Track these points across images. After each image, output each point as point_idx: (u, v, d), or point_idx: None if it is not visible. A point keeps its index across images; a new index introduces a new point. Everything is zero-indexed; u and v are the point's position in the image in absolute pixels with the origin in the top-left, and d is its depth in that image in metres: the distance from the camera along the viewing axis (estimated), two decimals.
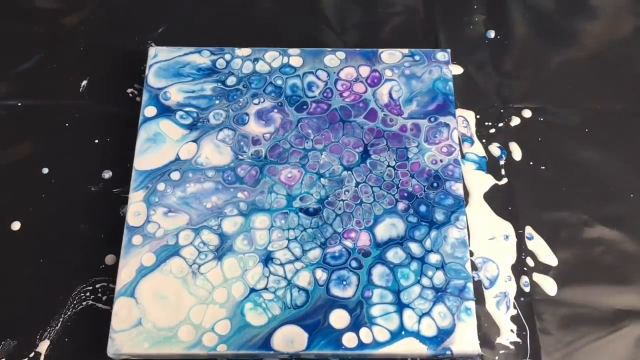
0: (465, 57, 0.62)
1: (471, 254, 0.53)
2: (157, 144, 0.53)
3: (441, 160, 0.53)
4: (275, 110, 0.55)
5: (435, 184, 0.53)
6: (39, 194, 0.55)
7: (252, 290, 0.48)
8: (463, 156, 0.57)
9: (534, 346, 0.51)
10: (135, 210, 0.51)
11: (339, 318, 0.48)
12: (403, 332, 0.47)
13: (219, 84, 0.56)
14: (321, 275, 0.49)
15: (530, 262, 0.54)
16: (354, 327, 0.47)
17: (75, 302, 0.52)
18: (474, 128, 0.59)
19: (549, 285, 0.53)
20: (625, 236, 0.55)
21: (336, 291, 0.49)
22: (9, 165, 0.57)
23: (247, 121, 0.55)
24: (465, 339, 0.47)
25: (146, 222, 0.50)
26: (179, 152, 0.53)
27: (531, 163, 0.58)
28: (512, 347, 0.51)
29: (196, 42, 0.58)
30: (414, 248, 0.50)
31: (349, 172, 0.53)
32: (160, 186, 0.52)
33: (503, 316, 0.52)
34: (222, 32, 0.63)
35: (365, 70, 0.57)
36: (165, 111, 0.55)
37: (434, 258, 0.50)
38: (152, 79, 0.56)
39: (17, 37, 0.63)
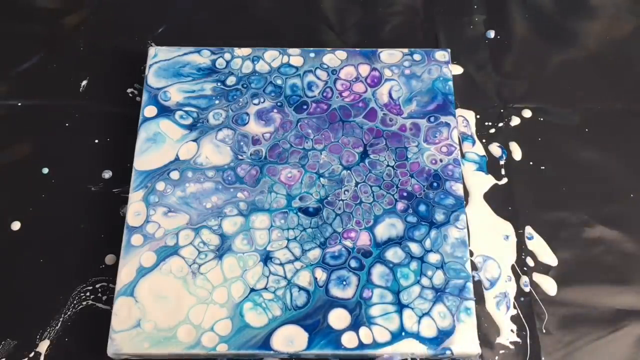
0: (465, 57, 0.62)
1: (471, 253, 0.53)
2: (157, 144, 0.53)
3: (441, 160, 0.53)
4: (275, 110, 0.55)
5: (435, 184, 0.53)
6: (39, 194, 0.55)
7: (252, 290, 0.48)
8: (463, 156, 0.57)
9: (534, 346, 0.51)
10: (135, 210, 0.51)
11: (339, 318, 0.48)
12: (403, 333, 0.47)
13: (219, 84, 0.56)
14: (321, 275, 0.49)
15: (530, 262, 0.54)
16: (354, 327, 0.47)
17: (75, 302, 0.52)
18: (474, 128, 0.59)
19: (549, 285, 0.53)
20: (625, 236, 0.55)
21: (336, 291, 0.49)
22: (9, 165, 0.57)
23: (247, 121, 0.55)
24: (465, 339, 0.47)
25: (146, 222, 0.50)
26: (179, 152, 0.53)
27: (531, 163, 0.58)
28: (512, 347, 0.51)
29: (196, 42, 0.59)
30: (414, 248, 0.50)
31: (349, 171, 0.53)
32: (160, 186, 0.52)
33: (503, 316, 0.52)
34: (222, 32, 0.63)
35: (365, 69, 0.57)
36: (165, 111, 0.55)
37: (433, 258, 0.50)
38: (152, 78, 0.56)
39: (17, 37, 0.63)
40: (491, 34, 0.64)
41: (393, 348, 0.47)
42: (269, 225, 0.51)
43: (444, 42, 0.63)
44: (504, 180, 0.57)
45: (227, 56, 0.57)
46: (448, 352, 0.47)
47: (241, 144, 0.54)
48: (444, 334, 0.47)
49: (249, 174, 0.53)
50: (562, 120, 0.60)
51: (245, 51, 0.58)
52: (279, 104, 0.56)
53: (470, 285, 0.49)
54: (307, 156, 0.53)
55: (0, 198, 0.55)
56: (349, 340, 0.47)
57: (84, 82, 0.61)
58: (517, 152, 0.58)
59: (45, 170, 0.56)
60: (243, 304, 0.48)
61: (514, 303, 0.52)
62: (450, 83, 0.57)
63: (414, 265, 0.49)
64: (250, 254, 0.50)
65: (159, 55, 0.57)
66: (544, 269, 0.54)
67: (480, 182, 0.57)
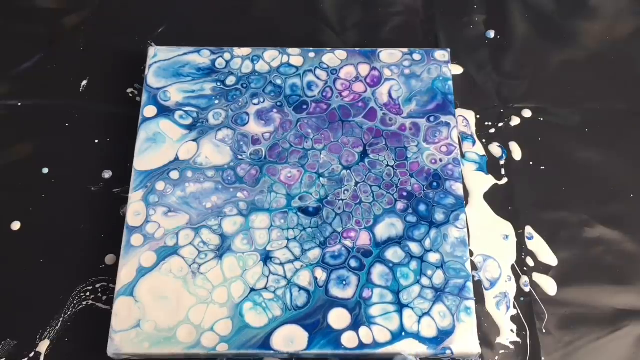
0: (465, 57, 0.62)
1: (471, 253, 0.53)
2: (157, 144, 0.53)
3: (440, 160, 0.53)
4: (275, 110, 0.55)
5: (434, 184, 0.52)
6: (39, 194, 0.55)
7: (252, 289, 0.48)
8: (463, 156, 0.57)
9: (534, 346, 0.51)
10: (135, 210, 0.51)
11: (339, 318, 0.48)
12: (403, 333, 0.47)
13: (219, 84, 0.56)
14: (321, 275, 0.49)
15: (530, 262, 0.54)
16: (354, 327, 0.47)
17: (75, 302, 0.52)
18: (474, 128, 0.59)
19: (549, 285, 0.53)
20: (625, 236, 0.55)
21: (336, 291, 0.49)
22: (9, 165, 0.57)
23: (246, 121, 0.55)
24: (465, 339, 0.47)
25: (146, 222, 0.50)
26: (179, 152, 0.53)
27: (531, 163, 0.58)
28: (512, 347, 0.51)
29: (196, 42, 0.59)
30: (414, 247, 0.50)
31: (349, 171, 0.53)
32: (160, 186, 0.52)
33: (503, 316, 0.52)
34: (222, 32, 0.63)
35: (364, 69, 0.57)
36: (165, 111, 0.55)
37: (433, 257, 0.50)
38: (152, 78, 0.56)
39: (17, 37, 0.63)
40: (491, 34, 0.64)
41: (393, 347, 0.47)
42: (269, 225, 0.51)
43: (444, 42, 0.63)
44: (504, 180, 0.57)
45: (227, 56, 0.57)
46: (448, 351, 0.47)
47: (241, 143, 0.54)
48: (444, 334, 0.47)
49: (248, 173, 0.53)
50: (562, 120, 0.60)
51: (245, 51, 0.58)
52: (278, 103, 0.56)
53: (470, 284, 0.49)
54: (306, 156, 0.53)
55: (0, 198, 0.55)
56: (349, 340, 0.47)
57: (84, 82, 0.61)
58: (517, 152, 0.58)
59: (45, 170, 0.56)
60: (243, 304, 0.48)
61: (514, 303, 0.52)
62: (450, 83, 0.57)
63: (413, 264, 0.49)
64: (250, 253, 0.50)
65: (158, 55, 0.57)
66: (544, 269, 0.53)
67: (480, 182, 0.57)
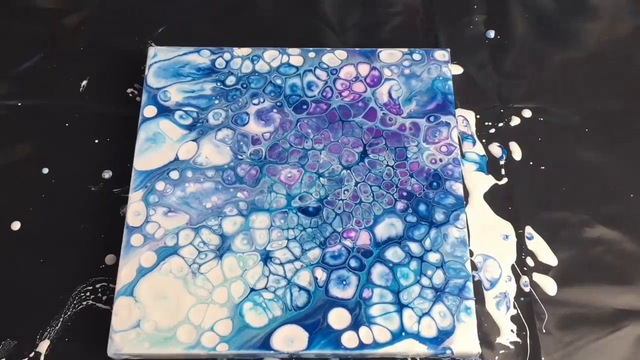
0: (465, 57, 0.62)
1: (471, 253, 0.53)
2: (157, 144, 0.53)
3: (440, 160, 0.53)
4: (275, 110, 0.55)
5: (434, 184, 0.52)
6: (39, 194, 0.55)
7: (252, 289, 0.48)
8: (463, 156, 0.57)
9: (534, 346, 0.51)
10: (135, 210, 0.51)
11: (339, 318, 0.48)
12: (403, 333, 0.47)
13: (219, 84, 0.56)
14: (321, 275, 0.49)
15: (530, 262, 0.54)
16: (354, 327, 0.47)
17: (75, 302, 0.52)
18: (474, 128, 0.59)
19: (549, 285, 0.53)
20: (625, 236, 0.55)
21: (336, 291, 0.49)
22: (9, 165, 0.57)
23: (246, 121, 0.55)
24: (465, 339, 0.47)
25: (146, 222, 0.50)
26: (179, 152, 0.53)
27: (531, 163, 0.58)
28: (512, 347, 0.51)
29: (196, 42, 0.59)
30: (414, 247, 0.50)
31: (348, 171, 0.53)
32: (160, 186, 0.52)
33: (503, 316, 0.52)
34: (222, 32, 0.63)
35: (364, 69, 0.57)
36: (165, 111, 0.55)
37: (433, 257, 0.50)
38: (152, 78, 0.56)
39: (17, 37, 0.63)
40: (491, 34, 0.64)
41: (393, 347, 0.47)
42: (269, 225, 0.51)
43: (444, 42, 0.63)
44: (504, 180, 0.57)
45: (227, 56, 0.57)
46: (448, 351, 0.47)
47: (241, 143, 0.54)
48: (444, 334, 0.47)
49: (248, 173, 0.53)
50: (562, 120, 0.60)
51: (245, 51, 0.58)
52: (278, 103, 0.56)
53: (470, 284, 0.49)
54: (306, 156, 0.53)
55: (0, 198, 0.55)
56: (349, 340, 0.47)
57: (84, 82, 0.61)
58: (517, 152, 0.58)
59: (45, 170, 0.56)
60: (243, 304, 0.48)
61: (514, 303, 0.52)
62: (450, 82, 0.57)
63: (413, 264, 0.49)
64: (250, 253, 0.50)
65: (158, 55, 0.57)
66: (544, 269, 0.53)
67: (480, 182, 0.57)
